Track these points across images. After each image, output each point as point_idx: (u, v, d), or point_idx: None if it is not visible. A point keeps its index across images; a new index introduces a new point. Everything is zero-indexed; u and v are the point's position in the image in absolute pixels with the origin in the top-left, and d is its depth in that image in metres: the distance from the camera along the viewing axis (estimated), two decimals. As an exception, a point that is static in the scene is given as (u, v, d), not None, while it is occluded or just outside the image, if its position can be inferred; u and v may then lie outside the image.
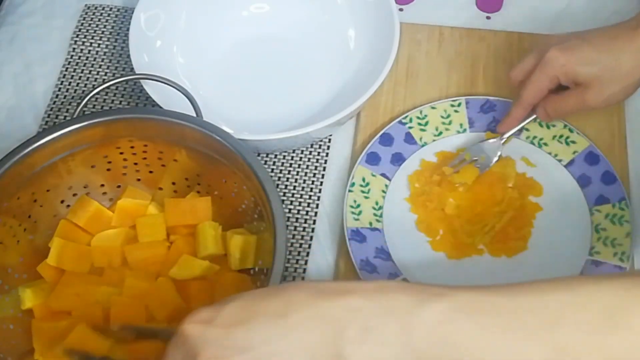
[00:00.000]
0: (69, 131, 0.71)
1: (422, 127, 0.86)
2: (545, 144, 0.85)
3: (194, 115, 0.75)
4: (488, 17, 0.96)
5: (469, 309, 0.52)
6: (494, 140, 0.84)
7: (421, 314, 0.51)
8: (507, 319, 0.51)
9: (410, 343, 0.51)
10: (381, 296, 0.52)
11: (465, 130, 0.86)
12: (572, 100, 0.78)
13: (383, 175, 0.83)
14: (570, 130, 0.85)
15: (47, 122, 0.90)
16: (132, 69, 0.84)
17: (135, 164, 0.77)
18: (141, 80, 0.81)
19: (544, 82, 0.78)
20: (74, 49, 0.95)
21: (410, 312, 0.52)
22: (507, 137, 0.84)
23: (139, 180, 0.79)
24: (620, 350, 0.50)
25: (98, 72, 0.93)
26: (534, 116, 0.83)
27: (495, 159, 0.83)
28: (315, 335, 0.52)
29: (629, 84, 0.76)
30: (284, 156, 0.86)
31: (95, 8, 0.98)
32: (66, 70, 0.93)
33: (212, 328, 0.52)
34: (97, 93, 0.78)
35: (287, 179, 0.85)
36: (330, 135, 0.88)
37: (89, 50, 0.95)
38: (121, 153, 0.76)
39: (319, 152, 0.87)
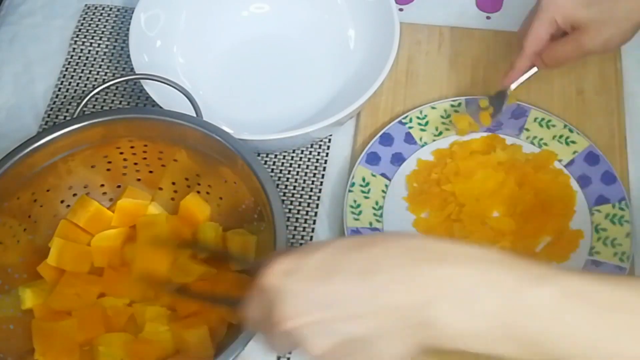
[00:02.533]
0: (69, 131, 0.71)
1: (422, 127, 0.86)
2: (545, 144, 0.85)
3: (194, 115, 0.75)
4: (488, 17, 0.96)
5: (581, 297, 0.48)
6: (499, 92, 0.83)
7: (528, 294, 0.48)
8: (622, 314, 0.47)
9: (508, 320, 0.48)
10: (482, 268, 0.49)
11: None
12: (569, 45, 0.77)
13: (383, 175, 0.83)
14: (570, 130, 0.85)
15: (47, 122, 0.90)
16: (132, 69, 0.84)
17: (135, 164, 0.77)
18: (141, 80, 0.81)
19: (543, 26, 0.77)
20: (74, 49, 0.95)
21: (515, 291, 0.48)
22: (512, 91, 0.82)
23: (139, 180, 0.79)
24: None
25: (98, 72, 0.93)
26: (536, 69, 0.81)
27: (504, 107, 0.83)
28: (403, 300, 0.49)
29: (627, 29, 0.76)
30: (284, 156, 0.86)
31: (95, 8, 0.98)
32: (66, 70, 0.93)
33: (293, 281, 0.50)
34: (97, 93, 0.78)
35: (287, 179, 0.85)
36: (330, 135, 0.88)
37: (89, 50, 0.95)
38: (121, 153, 0.76)
39: (319, 152, 0.87)
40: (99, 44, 0.95)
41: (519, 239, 0.79)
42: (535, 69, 0.81)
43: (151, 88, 0.80)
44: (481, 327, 0.48)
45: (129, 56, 0.85)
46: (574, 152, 0.84)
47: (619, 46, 0.80)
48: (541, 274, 0.49)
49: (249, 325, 0.56)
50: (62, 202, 0.77)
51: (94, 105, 0.90)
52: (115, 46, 0.95)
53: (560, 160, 0.84)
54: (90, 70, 0.93)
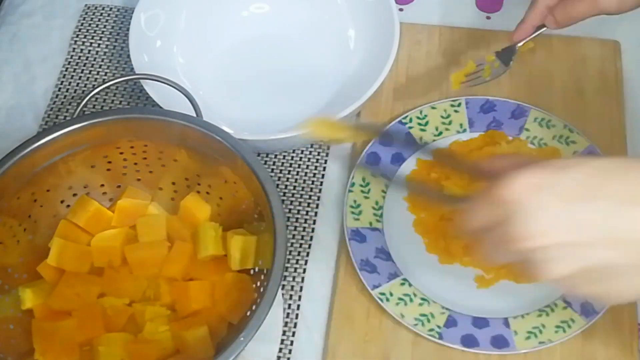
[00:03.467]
0: (69, 131, 0.71)
1: (422, 127, 0.86)
2: (545, 144, 0.85)
3: (194, 115, 0.75)
4: (488, 17, 0.96)
5: None
6: (507, 48, 0.83)
7: None
8: None
9: None
10: None
11: (465, 130, 0.86)
12: (583, 2, 0.75)
13: (383, 175, 0.83)
14: (570, 130, 0.85)
15: (47, 122, 0.90)
16: (132, 69, 0.84)
17: (135, 164, 0.77)
18: (141, 80, 0.81)
19: None
20: (74, 49, 0.95)
21: None
22: (522, 45, 0.82)
23: (139, 180, 0.79)
24: None
25: (98, 72, 0.93)
26: (545, 27, 0.80)
27: (511, 63, 0.82)
28: None
29: None
30: (284, 156, 0.86)
31: (95, 8, 0.98)
32: (66, 70, 0.93)
33: (545, 197, 0.47)
34: (97, 93, 0.78)
35: (287, 179, 0.85)
36: (330, 135, 0.88)
37: (89, 50, 0.95)
38: (121, 153, 0.76)
39: (319, 152, 0.87)
40: (99, 44, 0.95)
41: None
42: (544, 27, 0.80)
43: (151, 88, 0.80)
44: None
45: (129, 56, 0.85)
46: (574, 152, 0.84)
47: (634, 8, 0.76)
48: None
49: (467, 227, 0.53)
50: (62, 202, 0.77)
51: (94, 105, 0.90)
52: (115, 46, 0.95)
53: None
54: (90, 70, 0.93)
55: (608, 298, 0.51)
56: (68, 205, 0.77)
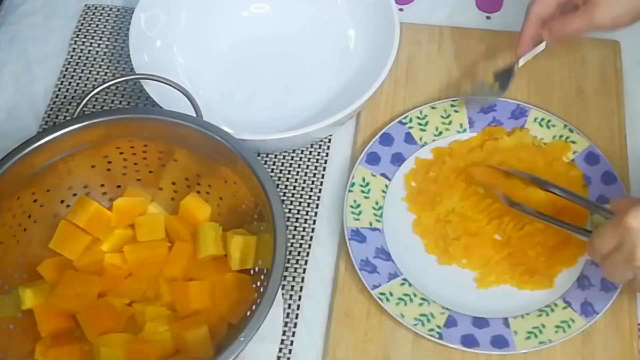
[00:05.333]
0: (69, 131, 0.71)
1: (422, 127, 0.86)
2: (545, 144, 0.85)
3: (194, 115, 0.75)
4: (488, 17, 0.96)
5: None
6: (505, 68, 0.83)
7: None
8: None
9: None
10: None
11: (465, 130, 0.86)
12: (579, 18, 0.76)
13: (383, 175, 0.83)
14: (570, 130, 0.85)
15: (47, 122, 0.90)
16: (132, 69, 0.84)
17: (135, 164, 0.77)
18: (141, 80, 0.81)
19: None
20: (74, 49, 0.95)
21: None
22: (522, 65, 0.82)
23: (139, 180, 0.79)
24: None
25: (98, 72, 0.93)
26: (544, 45, 0.80)
27: (512, 78, 0.82)
28: None
29: (638, 6, 0.75)
30: (284, 156, 0.86)
31: (95, 8, 0.98)
32: (66, 70, 0.93)
33: None
34: (97, 93, 0.78)
35: (287, 179, 0.85)
36: (330, 135, 0.88)
37: (89, 50, 0.95)
38: (121, 153, 0.76)
39: (319, 152, 0.87)
40: (99, 44, 0.95)
41: (519, 241, 0.79)
42: (543, 45, 0.80)
43: (151, 88, 0.80)
44: None
45: (129, 56, 0.85)
46: (574, 152, 0.84)
47: (630, 24, 0.77)
48: None
49: (592, 252, 0.67)
50: (62, 202, 0.77)
51: (94, 105, 0.90)
52: (115, 46, 0.95)
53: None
54: (90, 70, 0.93)
55: None
56: (68, 205, 0.77)
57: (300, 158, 0.86)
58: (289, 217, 0.83)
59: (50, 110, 0.91)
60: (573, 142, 0.84)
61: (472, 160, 0.83)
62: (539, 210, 0.76)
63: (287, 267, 0.80)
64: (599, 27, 0.76)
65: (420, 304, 0.76)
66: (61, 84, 0.92)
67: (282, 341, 0.76)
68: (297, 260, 0.81)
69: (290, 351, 0.76)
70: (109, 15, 0.97)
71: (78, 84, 0.92)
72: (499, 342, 0.74)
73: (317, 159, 0.86)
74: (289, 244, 0.81)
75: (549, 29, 0.78)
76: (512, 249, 0.78)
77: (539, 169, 0.82)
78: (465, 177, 0.82)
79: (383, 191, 0.83)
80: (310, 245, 0.81)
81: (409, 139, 0.85)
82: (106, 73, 0.93)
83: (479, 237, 0.79)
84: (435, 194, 0.82)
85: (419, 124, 0.86)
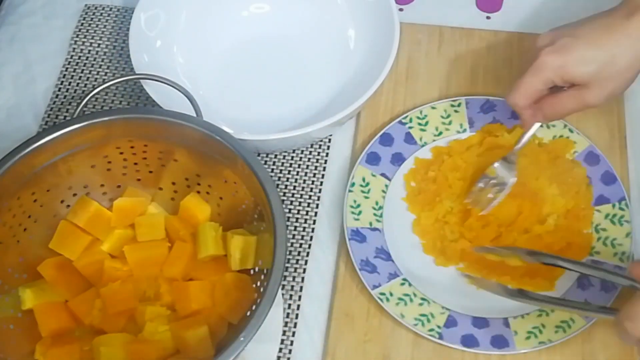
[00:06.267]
0: (69, 131, 0.71)
1: (422, 127, 0.86)
2: (545, 145, 0.85)
3: (194, 115, 0.75)
4: (488, 17, 0.96)
5: None
6: (508, 155, 0.80)
7: None
8: None
9: None
10: None
11: (465, 130, 0.86)
12: (570, 101, 0.74)
13: (383, 175, 0.83)
14: (570, 130, 0.85)
15: (47, 122, 0.90)
16: (132, 69, 0.84)
17: (135, 164, 0.77)
18: (141, 80, 0.81)
19: (536, 85, 0.74)
20: (74, 49, 0.95)
21: None
22: (520, 148, 0.80)
23: (139, 180, 0.79)
24: None
25: (98, 72, 0.93)
26: (538, 125, 0.78)
27: (515, 172, 0.79)
28: None
29: (629, 77, 0.73)
30: (284, 156, 0.86)
31: (95, 8, 0.98)
32: (66, 70, 0.93)
33: None
34: (97, 93, 0.78)
35: (287, 179, 0.85)
36: (330, 135, 0.88)
37: (89, 50, 0.95)
38: (121, 153, 0.76)
39: (319, 152, 0.87)
40: (99, 44, 0.95)
41: (525, 244, 0.79)
42: (538, 125, 0.78)
43: (151, 88, 0.80)
44: None
45: (129, 56, 0.85)
46: (574, 152, 0.84)
47: (624, 92, 0.76)
48: None
49: (625, 336, 0.63)
50: (62, 202, 0.77)
51: (94, 105, 0.90)
52: (115, 46, 0.95)
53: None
54: (90, 70, 0.93)
55: None
56: (68, 205, 0.77)
57: (300, 158, 0.86)
58: (289, 217, 0.83)
59: (50, 110, 0.91)
60: (573, 142, 0.84)
61: (471, 157, 0.83)
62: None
63: (287, 267, 0.80)
64: (592, 106, 0.74)
65: (420, 304, 0.76)
66: (61, 84, 0.92)
67: (282, 341, 0.76)
68: (297, 260, 0.81)
69: (290, 351, 0.76)
70: (109, 15, 0.97)
71: (78, 84, 0.92)
72: (499, 342, 0.74)
73: (317, 159, 0.86)
74: (289, 244, 0.81)
75: (542, 111, 0.76)
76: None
77: (542, 166, 0.82)
78: (452, 191, 0.81)
79: (383, 191, 0.83)
80: (310, 245, 0.81)
81: (409, 139, 0.85)
82: (106, 73, 0.93)
83: (478, 240, 0.79)
84: (434, 193, 0.82)
85: (419, 124, 0.86)
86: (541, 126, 0.80)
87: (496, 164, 0.80)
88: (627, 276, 0.70)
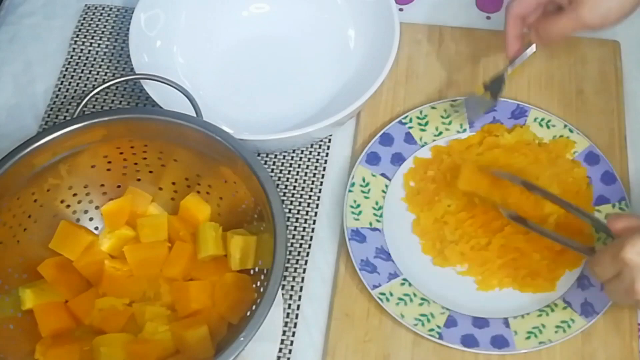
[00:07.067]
0: (69, 131, 0.71)
1: (422, 127, 0.86)
2: (545, 145, 0.85)
3: (194, 115, 0.75)
4: (488, 17, 0.96)
5: None
6: (495, 78, 0.82)
7: None
8: None
9: None
10: None
11: (465, 130, 0.86)
12: (566, 18, 0.74)
13: (383, 175, 0.83)
14: (570, 130, 0.85)
15: (47, 122, 0.90)
16: (132, 69, 0.84)
17: (135, 164, 0.77)
18: (141, 80, 0.81)
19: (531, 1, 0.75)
20: (74, 49, 0.95)
21: None
22: (511, 72, 0.81)
23: (139, 180, 0.79)
24: None
25: (98, 72, 0.93)
26: (533, 48, 0.79)
27: (503, 86, 0.81)
28: None
29: (625, 1, 0.73)
30: (284, 156, 0.86)
31: (95, 8, 0.98)
32: (66, 70, 0.93)
33: None
34: (97, 93, 0.78)
35: (287, 179, 0.85)
36: (330, 135, 0.88)
37: (89, 50, 0.95)
38: (121, 153, 0.76)
39: (319, 152, 0.87)
40: (99, 44, 0.95)
41: (526, 244, 0.79)
42: (532, 49, 0.78)
43: (151, 88, 0.80)
44: None
45: (129, 56, 0.85)
46: (574, 152, 0.84)
47: (618, 21, 0.75)
48: None
49: (594, 276, 0.69)
50: (62, 202, 0.77)
51: (94, 105, 0.90)
52: (115, 46, 0.95)
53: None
54: (90, 70, 0.93)
55: None
56: (68, 205, 0.77)
57: (300, 158, 0.86)
58: (289, 217, 0.83)
59: (50, 110, 0.91)
60: (573, 142, 0.84)
61: (471, 156, 0.83)
62: (542, 227, 0.76)
63: (287, 267, 0.80)
64: (588, 26, 0.74)
65: (420, 304, 0.76)
66: (61, 84, 0.92)
67: (282, 341, 0.76)
68: (297, 260, 0.81)
69: (290, 351, 0.76)
70: (109, 15, 0.97)
71: (78, 84, 0.92)
72: (499, 342, 0.74)
73: (317, 159, 0.86)
74: (289, 244, 0.81)
75: (535, 30, 0.77)
76: (515, 254, 0.78)
77: (542, 166, 0.82)
78: (451, 190, 0.81)
79: (383, 191, 0.83)
80: (310, 245, 0.81)
81: (409, 139, 0.85)
82: (106, 73, 0.93)
83: (477, 240, 0.79)
84: (433, 193, 0.82)
85: (419, 124, 0.86)
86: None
87: (485, 83, 0.82)
88: (605, 225, 0.73)
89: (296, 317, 0.78)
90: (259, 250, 0.72)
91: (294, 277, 0.80)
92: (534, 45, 0.79)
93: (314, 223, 0.83)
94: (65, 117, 0.90)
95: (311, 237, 0.82)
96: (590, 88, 0.89)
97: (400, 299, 0.76)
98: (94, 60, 0.94)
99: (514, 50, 0.81)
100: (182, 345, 0.71)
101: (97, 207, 0.79)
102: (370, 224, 0.80)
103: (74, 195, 0.77)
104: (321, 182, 0.85)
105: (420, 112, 0.87)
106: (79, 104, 0.76)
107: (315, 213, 0.83)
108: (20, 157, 0.70)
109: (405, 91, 0.90)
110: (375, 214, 0.81)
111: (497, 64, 0.90)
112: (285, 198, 0.84)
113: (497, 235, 0.78)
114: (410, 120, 0.86)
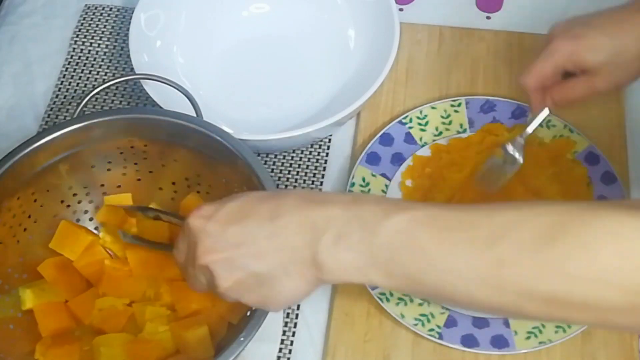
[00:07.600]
0: (69, 131, 0.71)
1: (422, 127, 0.86)
2: (546, 144, 0.85)
3: (194, 115, 0.75)
4: (488, 17, 0.96)
5: (427, 221, 0.55)
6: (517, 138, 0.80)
7: (385, 224, 0.55)
8: (459, 233, 0.54)
9: (371, 249, 0.55)
10: (355, 207, 0.56)
11: (465, 130, 0.86)
12: (580, 86, 0.75)
13: (383, 175, 0.83)
14: (571, 130, 0.85)
15: (47, 122, 0.90)
16: (132, 69, 0.84)
17: (135, 164, 0.77)
18: (141, 80, 0.81)
19: (547, 69, 0.75)
20: (74, 49, 0.95)
21: (376, 222, 0.55)
22: (529, 135, 0.79)
23: (139, 180, 0.79)
24: (554, 260, 0.51)
25: (98, 72, 0.93)
26: (547, 111, 0.77)
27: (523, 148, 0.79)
28: (297, 239, 0.56)
29: (637, 67, 0.74)
30: (284, 156, 0.86)
31: (95, 8, 0.98)
32: (66, 70, 0.93)
33: (211, 223, 0.58)
34: (97, 93, 0.78)
35: (287, 179, 0.85)
36: (330, 135, 0.88)
37: (89, 50, 0.95)
38: (121, 153, 0.76)
39: (319, 152, 0.87)
40: (99, 44, 0.95)
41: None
42: (547, 111, 0.77)
43: (151, 88, 0.80)
44: (354, 258, 0.55)
45: (129, 56, 0.85)
46: (574, 152, 0.84)
47: (632, 82, 0.77)
48: (405, 206, 0.56)
49: (178, 264, 0.63)
50: (62, 202, 0.77)
51: (94, 105, 0.90)
52: (115, 46, 0.95)
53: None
54: (90, 70, 0.93)
55: (266, 304, 0.59)
56: (68, 205, 0.77)
57: (300, 158, 0.86)
58: (289, 217, 0.83)
59: (50, 110, 0.91)
60: (573, 142, 0.84)
61: (470, 155, 0.83)
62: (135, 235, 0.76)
63: (287, 267, 0.80)
64: (602, 93, 0.75)
65: (420, 304, 0.76)
66: (61, 84, 0.92)
67: (282, 341, 0.76)
68: (297, 260, 0.80)
69: (290, 351, 0.76)
70: (109, 15, 0.97)
71: (78, 84, 0.92)
72: (499, 342, 0.74)
73: (317, 159, 0.86)
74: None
75: (551, 96, 0.77)
76: None
77: (542, 166, 0.82)
78: (446, 184, 0.81)
79: (383, 191, 0.83)
80: (310, 245, 0.81)
81: (409, 139, 0.85)
82: (106, 73, 0.93)
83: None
84: (427, 190, 0.82)
85: (419, 124, 0.86)
86: (548, 119, 0.78)
87: (504, 146, 0.79)
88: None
89: (296, 317, 0.78)
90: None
91: (294, 277, 0.79)
92: (547, 109, 0.78)
93: (314, 223, 0.82)
94: (65, 117, 0.90)
95: (311, 237, 0.82)
96: (590, 88, 0.89)
97: (400, 299, 0.76)
98: (94, 60, 0.94)
99: (539, 107, 0.79)
100: (182, 345, 0.71)
101: (97, 207, 0.78)
102: (370, 224, 0.80)
103: (74, 195, 0.77)
104: (321, 182, 0.85)
105: (421, 112, 0.87)
106: (79, 104, 0.76)
107: (315, 213, 0.83)
108: (20, 157, 0.70)
109: (405, 91, 0.90)
110: (375, 214, 0.81)
111: (497, 65, 0.90)
112: (285, 198, 0.84)
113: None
114: (411, 120, 0.86)
